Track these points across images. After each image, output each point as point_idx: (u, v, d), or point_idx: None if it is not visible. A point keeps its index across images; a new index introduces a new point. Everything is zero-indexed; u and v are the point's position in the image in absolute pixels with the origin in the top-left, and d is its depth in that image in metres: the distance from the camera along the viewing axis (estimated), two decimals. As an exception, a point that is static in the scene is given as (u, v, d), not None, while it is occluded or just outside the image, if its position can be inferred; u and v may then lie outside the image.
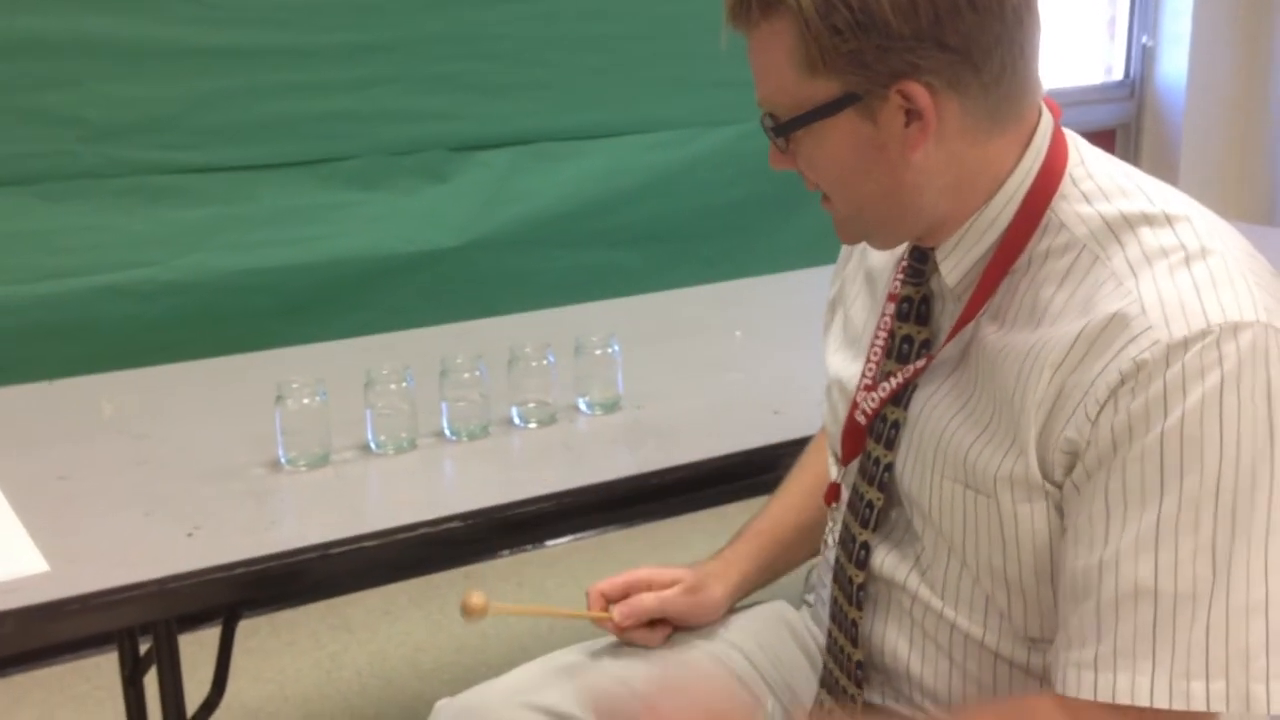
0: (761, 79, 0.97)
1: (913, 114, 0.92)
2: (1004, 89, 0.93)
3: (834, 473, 1.16)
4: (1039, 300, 0.94)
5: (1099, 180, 0.97)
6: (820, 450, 1.30)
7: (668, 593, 1.20)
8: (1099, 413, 0.87)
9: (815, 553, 1.26)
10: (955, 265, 0.99)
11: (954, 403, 0.99)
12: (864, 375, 1.08)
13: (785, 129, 0.96)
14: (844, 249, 1.24)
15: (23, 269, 2.19)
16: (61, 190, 2.22)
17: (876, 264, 1.14)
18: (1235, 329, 0.85)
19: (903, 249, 1.08)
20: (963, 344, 1.00)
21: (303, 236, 2.40)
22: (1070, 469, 0.90)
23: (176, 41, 2.26)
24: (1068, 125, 1.01)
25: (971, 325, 0.98)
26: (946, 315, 1.02)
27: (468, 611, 1.09)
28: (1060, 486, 0.91)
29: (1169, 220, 0.92)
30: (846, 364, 1.16)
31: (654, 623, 1.20)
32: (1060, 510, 0.92)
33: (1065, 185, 0.96)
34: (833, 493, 1.14)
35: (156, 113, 2.27)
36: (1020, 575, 0.95)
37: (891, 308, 1.07)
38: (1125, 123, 3.65)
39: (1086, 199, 0.95)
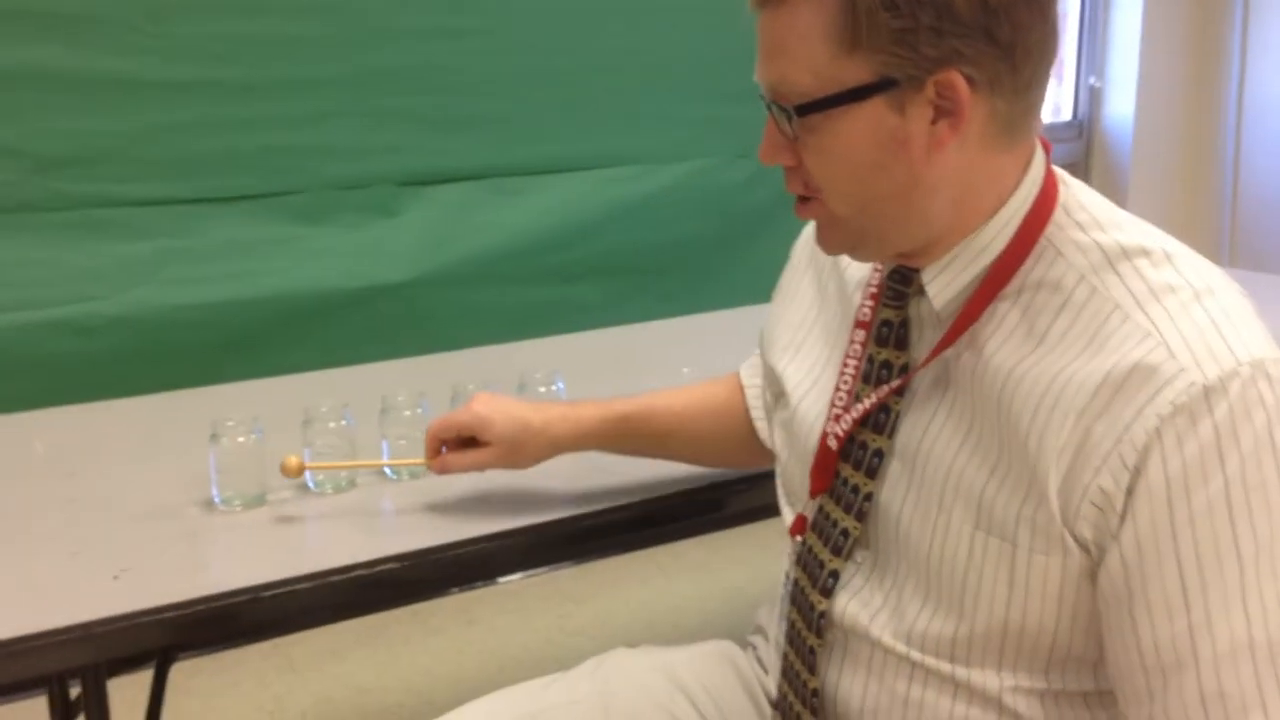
0: (778, 56, 0.91)
1: (941, 110, 0.89)
2: (1028, 99, 0.92)
3: (794, 507, 1.13)
4: (1034, 329, 0.92)
5: (1092, 211, 0.96)
6: (720, 382, 1.35)
7: (484, 457, 1.30)
8: (1142, 461, 0.84)
9: (665, 452, 1.37)
10: (943, 288, 0.97)
11: (955, 435, 0.96)
12: (834, 405, 1.06)
13: (809, 110, 0.90)
14: (798, 242, 1.23)
15: (-38, 302, 2.15)
16: (2, 222, 2.19)
17: (845, 270, 1.12)
18: (1262, 365, 0.85)
19: (869, 271, 1.07)
20: (941, 368, 0.98)
21: (248, 271, 2.37)
22: (1105, 527, 0.87)
23: (121, 74, 2.24)
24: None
25: (951, 350, 0.96)
26: (925, 342, 1.00)
27: (285, 472, 1.35)
28: (1086, 546, 0.88)
29: (1167, 257, 0.92)
30: (788, 365, 1.14)
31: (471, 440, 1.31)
32: (1085, 572, 0.89)
33: (1058, 214, 0.95)
34: (800, 525, 1.10)
35: (100, 145, 2.24)
36: (1024, 620, 0.92)
37: (862, 334, 1.04)
38: (1073, 162, 3.70)
39: (1082, 228, 0.94)
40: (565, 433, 1.31)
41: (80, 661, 1.19)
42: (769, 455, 1.32)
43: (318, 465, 1.38)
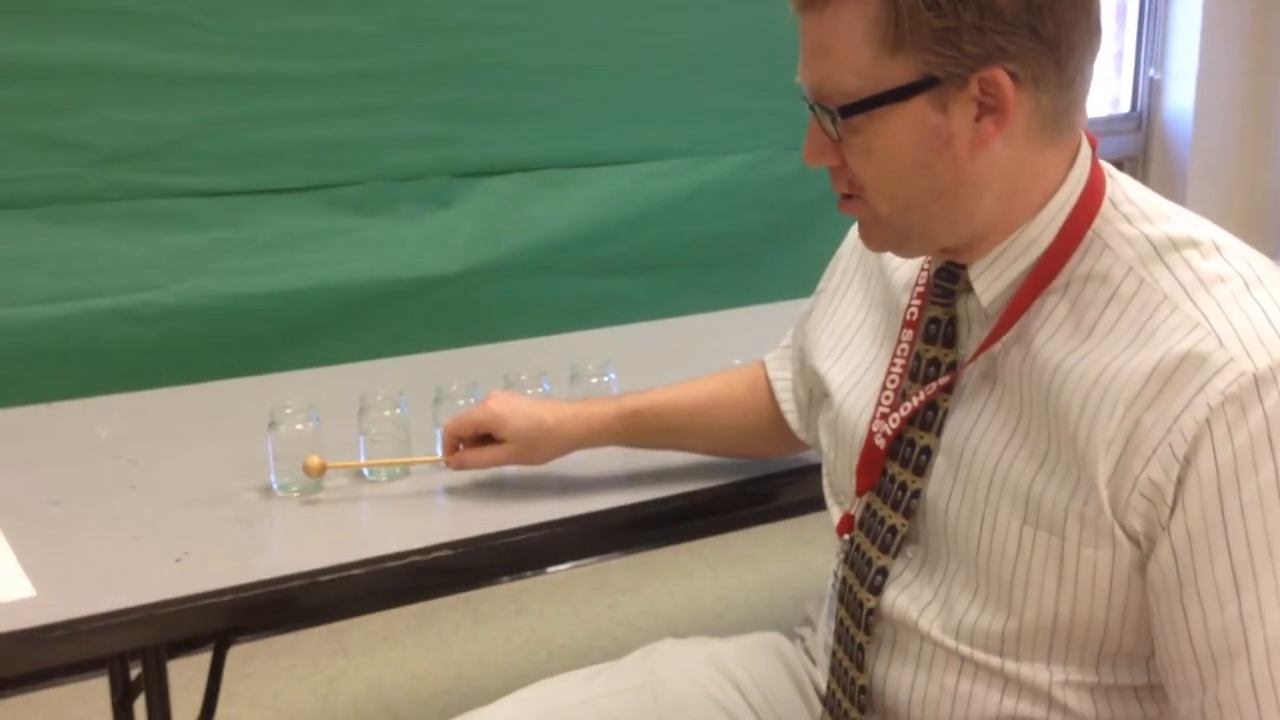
0: (821, 58, 0.92)
1: (985, 107, 0.89)
2: (1072, 94, 0.92)
3: (841, 505, 1.13)
4: (1082, 322, 0.92)
5: (1139, 204, 0.96)
6: (737, 374, 1.36)
7: (500, 455, 1.33)
8: (1192, 451, 0.84)
9: (680, 444, 1.39)
10: (990, 284, 0.97)
11: (1003, 430, 0.96)
12: (880, 403, 1.06)
13: (852, 111, 0.91)
14: (843, 246, 1.24)
15: (26, 291, 2.20)
16: (65, 214, 2.23)
17: (893, 274, 1.12)
18: None
19: (917, 271, 1.07)
20: (989, 364, 0.98)
21: (304, 262, 2.40)
22: (1155, 518, 0.86)
23: (181, 67, 2.28)
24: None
25: (999, 346, 0.96)
26: (973, 339, 1.00)
27: (309, 472, 1.36)
28: (1136, 539, 0.88)
29: (1216, 247, 0.91)
30: (832, 366, 1.15)
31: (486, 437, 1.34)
32: (1135, 565, 0.89)
33: (1105, 207, 0.95)
34: (847, 523, 1.10)
35: (161, 138, 2.28)
36: (1074, 614, 0.92)
37: (910, 334, 1.05)
38: (1133, 155, 3.65)
39: (1129, 220, 0.94)
40: (578, 430, 1.33)
41: (141, 643, 1.22)
42: (790, 446, 1.34)
43: (339, 465, 1.40)
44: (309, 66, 2.38)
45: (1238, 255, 0.92)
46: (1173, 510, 0.85)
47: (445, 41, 2.50)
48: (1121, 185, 0.98)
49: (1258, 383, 0.83)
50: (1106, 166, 0.99)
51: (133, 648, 1.24)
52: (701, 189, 2.83)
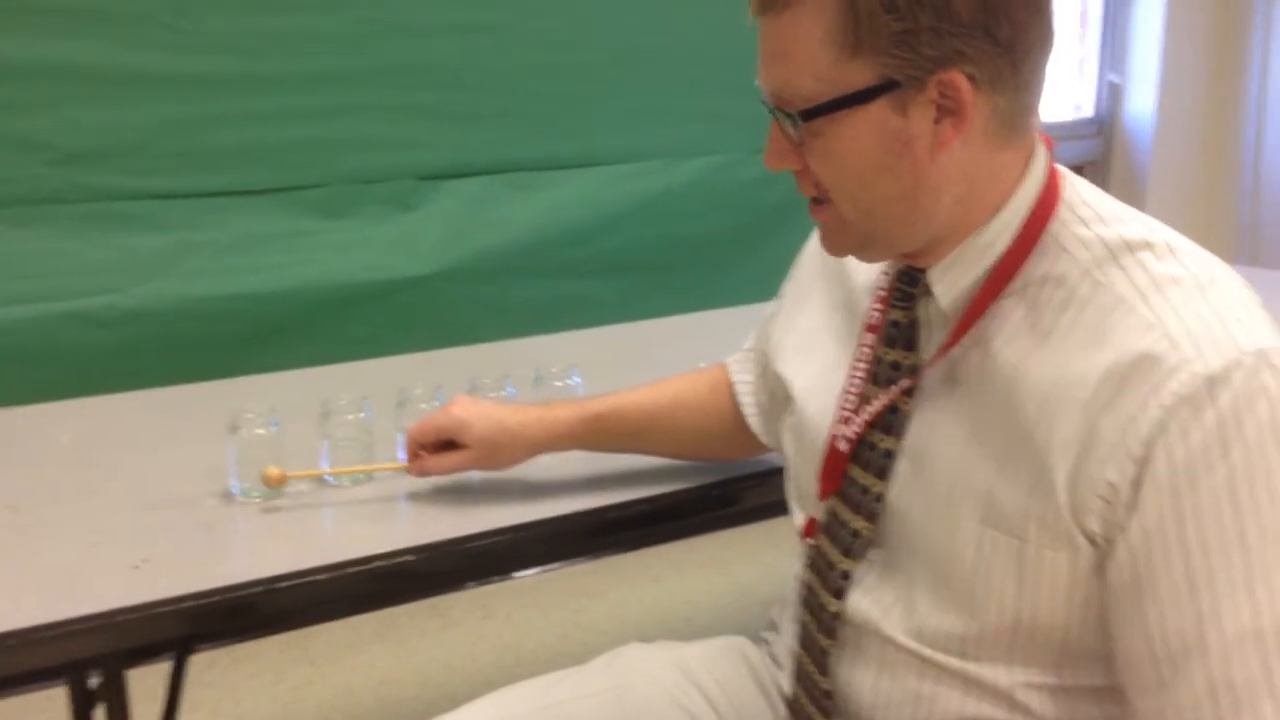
0: (781, 62, 0.92)
1: (944, 109, 0.89)
2: (1028, 96, 0.92)
3: (805, 509, 1.13)
4: (1039, 324, 0.93)
5: (1095, 206, 0.96)
6: (700, 377, 1.37)
7: (463, 460, 1.33)
8: (1147, 452, 0.84)
9: (643, 447, 1.40)
10: (950, 287, 0.97)
11: (963, 432, 0.96)
12: (842, 408, 1.06)
13: (813, 114, 0.91)
14: (806, 250, 1.24)
15: (-15, 294, 2.17)
16: (26, 215, 2.21)
17: (854, 277, 1.13)
18: (1265, 355, 0.85)
19: (878, 275, 1.07)
20: (949, 367, 0.98)
21: (269, 264, 2.39)
22: (1112, 519, 0.87)
23: (145, 68, 2.26)
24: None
25: (959, 349, 0.97)
26: (933, 342, 1.00)
27: (268, 483, 1.35)
28: (1094, 540, 0.88)
29: (1170, 249, 0.92)
30: (795, 370, 1.15)
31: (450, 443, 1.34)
32: (1094, 567, 0.89)
33: (1061, 210, 0.96)
34: (811, 528, 1.10)
35: (124, 138, 2.26)
36: (1034, 616, 0.93)
37: (871, 337, 1.05)
38: (1093, 160, 3.68)
39: (1085, 223, 0.95)
40: (541, 434, 1.33)
41: (99, 651, 1.20)
42: (753, 448, 1.34)
43: (299, 474, 1.39)
44: (274, 66, 2.36)
45: (1192, 257, 0.93)
46: (1129, 511, 0.86)
47: (411, 43, 2.49)
48: (1077, 188, 0.98)
49: (1211, 383, 0.84)
50: (1062, 169, 1.00)
51: (90, 656, 1.22)
52: (668, 192, 2.84)
